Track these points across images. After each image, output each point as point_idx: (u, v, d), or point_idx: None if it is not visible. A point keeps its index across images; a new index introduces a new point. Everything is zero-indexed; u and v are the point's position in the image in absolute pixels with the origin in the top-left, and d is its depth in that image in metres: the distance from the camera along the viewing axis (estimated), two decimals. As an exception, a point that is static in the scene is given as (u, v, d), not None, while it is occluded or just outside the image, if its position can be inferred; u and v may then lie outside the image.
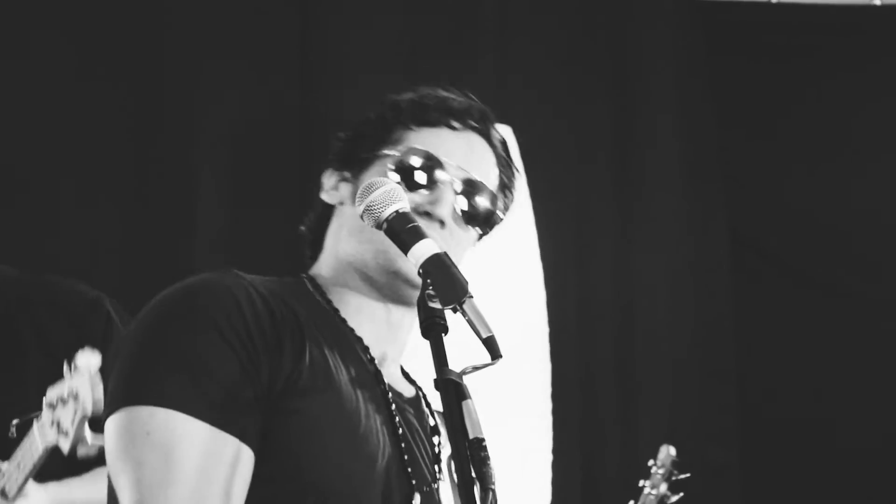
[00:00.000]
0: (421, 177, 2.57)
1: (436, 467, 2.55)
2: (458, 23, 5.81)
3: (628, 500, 4.94)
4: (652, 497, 4.90)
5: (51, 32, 5.27)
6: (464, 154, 2.61)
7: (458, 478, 2.23)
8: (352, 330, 2.54)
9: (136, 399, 2.32)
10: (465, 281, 2.31)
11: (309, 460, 2.36)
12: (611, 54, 6.01)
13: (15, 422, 3.67)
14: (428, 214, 2.54)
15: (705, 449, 5.83)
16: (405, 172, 2.57)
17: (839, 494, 5.94)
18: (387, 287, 2.55)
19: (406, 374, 2.67)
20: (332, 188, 2.63)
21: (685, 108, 6.06)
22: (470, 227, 2.63)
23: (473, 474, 2.21)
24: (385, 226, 2.41)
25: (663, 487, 4.90)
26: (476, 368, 2.28)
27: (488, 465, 2.21)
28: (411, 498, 2.47)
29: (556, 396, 5.12)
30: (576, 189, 5.95)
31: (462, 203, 2.60)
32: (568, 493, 5.53)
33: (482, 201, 2.62)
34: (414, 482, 2.48)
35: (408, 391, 2.62)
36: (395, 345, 2.61)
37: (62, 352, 3.58)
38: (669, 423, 5.89)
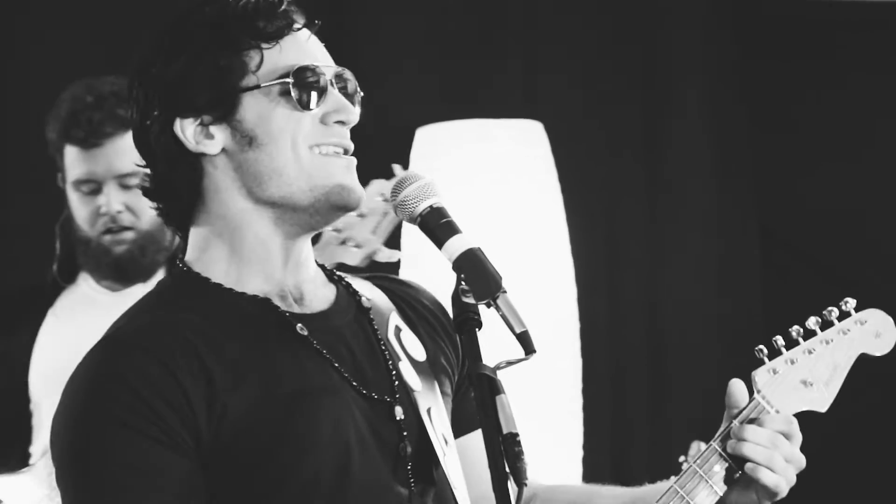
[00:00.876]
0: (316, 94, 2.50)
1: (389, 366, 2.52)
2: (488, 22, 5.82)
3: (659, 496, 4.94)
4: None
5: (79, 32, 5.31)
6: (321, 52, 2.56)
7: (491, 473, 2.24)
8: (254, 297, 2.48)
9: None
10: (498, 276, 2.32)
11: (271, 467, 2.36)
12: (641, 51, 6.01)
13: None
14: (342, 123, 2.51)
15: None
16: (301, 96, 2.48)
17: (866, 489, 5.94)
18: (322, 210, 2.48)
19: (328, 274, 2.61)
20: (200, 138, 2.49)
21: (715, 105, 6.05)
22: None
23: (507, 469, 2.22)
24: (419, 220, 2.41)
25: (694, 483, 4.90)
26: (510, 363, 2.30)
27: (522, 459, 2.22)
28: (393, 413, 2.49)
29: (586, 392, 5.12)
30: (606, 186, 5.95)
31: (345, 95, 2.54)
32: (599, 488, 5.53)
33: (353, 86, 2.56)
34: (388, 398, 2.49)
35: (328, 299, 2.56)
36: (307, 269, 2.54)
37: None
38: (700, 419, 5.89)
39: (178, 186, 2.51)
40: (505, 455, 2.23)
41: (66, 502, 2.37)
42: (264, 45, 2.49)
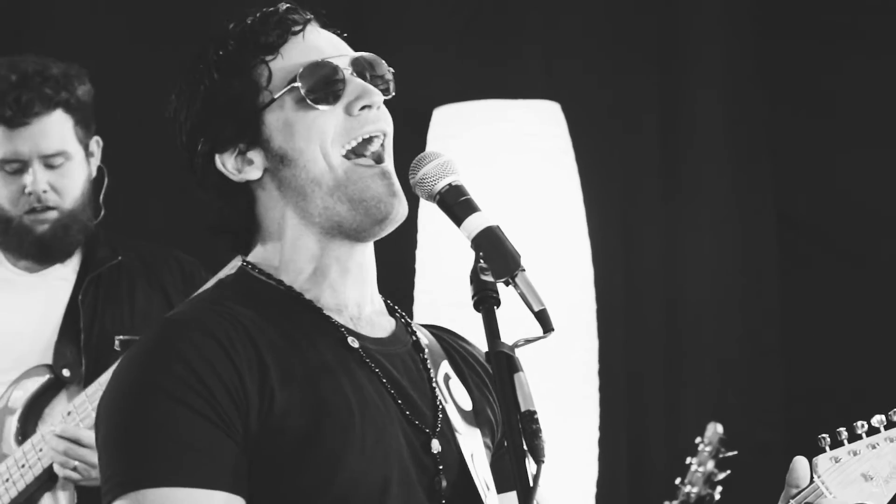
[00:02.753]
0: (330, 89, 2.45)
1: (437, 401, 2.50)
2: (505, 2, 5.81)
3: (675, 478, 4.94)
4: (699, 474, 4.90)
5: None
6: (326, 43, 2.50)
7: (509, 450, 2.23)
8: (310, 303, 2.47)
9: (140, 483, 2.29)
10: (517, 254, 2.30)
11: (311, 468, 2.34)
12: (658, 32, 6.00)
13: (119, 338, 4.09)
14: (368, 107, 2.45)
15: (752, 427, 5.82)
16: (315, 96, 2.43)
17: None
18: (364, 226, 2.45)
19: (386, 304, 2.59)
20: (241, 166, 2.48)
21: (733, 87, 6.04)
22: (385, 95, 2.50)
23: (525, 447, 2.21)
24: (437, 198, 2.39)
25: (710, 465, 4.90)
26: (528, 341, 2.28)
27: (540, 437, 2.20)
28: (429, 446, 2.46)
29: (602, 374, 5.12)
30: (623, 166, 5.94)
31: (367, 81, 2.48)
32: (614, 469, 5.54)
33: (374, 68, 2.50)
34: (427, 430, 2.46)
35: (385, 328, 2.53)
36: (366, 285, 2.51)
37: (171, 289, 4.21)
38: (716, 400, 5.89)
39: (237, 217, 2.51)
40: (523, 433, 2.21)
41: (109, 474, 2.34)
42: (267, 58, 2.45)
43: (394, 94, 2.52)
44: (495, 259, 2.30)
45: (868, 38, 5.98)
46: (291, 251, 2.48)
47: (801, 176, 6.06)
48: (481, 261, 2.31)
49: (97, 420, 2.40)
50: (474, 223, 2.34)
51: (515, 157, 4.99)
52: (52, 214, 4.18)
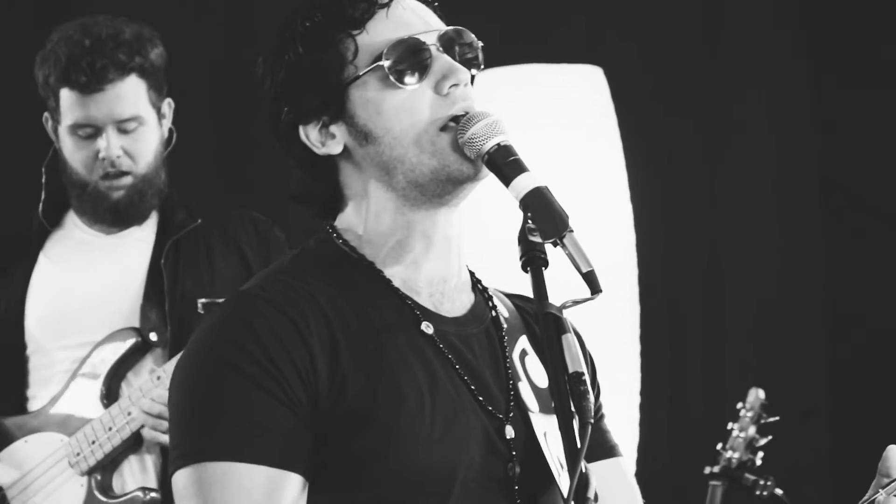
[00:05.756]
0: (417, 67, 2.41)
1: (510, 384, 2.48)
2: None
3: (716, 443, 4.94)
4: (740, 440, 4.89)
5: None
6: (414, 16, 2.46)
7: (557, 411, 2.23)
8: (389, 282, 2.44)
9: (202, 456, 2.31)
10: (565, 215, 2.29)
11: (379, 455, 2.33)
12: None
13: (201, 301, 4.11)
14: (455, 86, 2.41)
15: (793, 392, 5.81)
16: (402, 75, 2.39)
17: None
18: (442, 188, 2.42)
19: (473, 281, 2.57)
20: (324, 139, 2.45)
21: (779, 53, 6.01)
22: (473, 69, 2.48)
23: (573, 408, 2.21)
24: (486, 157, 2.37)
25: (752, 430, 4.89)
26: (576, 303, 2.27)
27: (588, 398, 2.20)
28: (503, 432, 2.43)
29: (644, 338, 5.11)
30: (665, 132, 5.93)
31: (455, 56, 2.45)
32: (655, 434, 5.54)
33: (463, 43, 2.47)
34: (500, 416, 2.44)
35: (466, 304, 2.51)
36: (452, 258, 2.49)
37: (247, 249, 4.24)
38: (757, 365, 5.88)
39: (319, 188, 2.49)
40: (570, 394, 2.21)
41: (175, 444, 2.36)
42: (354, 32, 2.41)
43: (483, 66, 2.49)
44: (544, 220, 2.28)
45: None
46: (375, 222, 2.46)
47: (845, 143, 6.03)
48: (530, 221, 2.30)
49: (171, 386, 2.41)
50: (523, 183, 2.33)
51: (557, 122, 4.97)
52: (127, 180, 4.19)
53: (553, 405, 2.26)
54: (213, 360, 2.33)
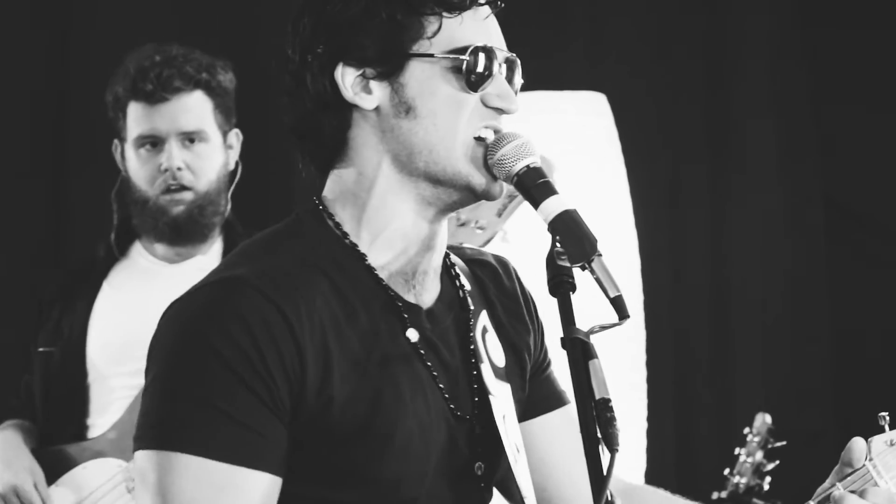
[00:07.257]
0: (487, 75, 2.40)
1: (473, 373, 2.48)
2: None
3: (723, 468, 4.92)
4: (748, 465, 4.88)
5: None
6: (496, 32, 2.45)
7: (583, 438, 2.21)
8: (379, 280, 2.42)
9: (165, 444, 2.27)
10: (594, 239, 2.30)
11: (357, 462, 2.33)
12: (704, 21, 5.98)
13: None
14: (501, 111, 2.42)
15: (801, 415, 5.80)
16: (474, 81, 2.38)
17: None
18: (456, 197, 2.41)
19: (448, 269, 2.55)
20: (360, 89, 2.40)
21: (781, 73, 6.02)
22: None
23: (599, 434, 2.19)
24: (515, 179, 2.36)
25: (759, 455, 4.88)
26: (604, 328, 2.29)
27: (614, 425, 2.19)
28: (472, 433, 2.45)
29: (650, 364, 5.11)
30: (669, 157, 5.93)
31: (511, 80, 2.46)
32: (663, 460, 5.52)
33: (518, 75, 2.48)
34: (468, 417, 2.45)
35: (437, 290, 2.50)
36: (437, 254, 2.48)
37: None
38: (765, 389, 5.87)
39: (323, 130, 2.43)
40: (597, 420, 2.20)
41: (144, 420, 2.31)
42: (446, 14, 2.39)
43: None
44: (572, 243, 2.29)
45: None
46: (370, 195, 2.43)
47: (849, 162, 6.03)
48: (557, 244, 2.29)
49: (150, 350, 2.36)
50: (552, 206, 2.33)
51: (562, 148, 4.98)
52: (188, 195, 4.18)
53: (580, 428, 2.23)
54: (202, 347, 2.27)
